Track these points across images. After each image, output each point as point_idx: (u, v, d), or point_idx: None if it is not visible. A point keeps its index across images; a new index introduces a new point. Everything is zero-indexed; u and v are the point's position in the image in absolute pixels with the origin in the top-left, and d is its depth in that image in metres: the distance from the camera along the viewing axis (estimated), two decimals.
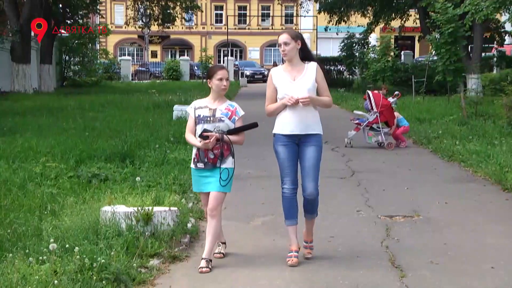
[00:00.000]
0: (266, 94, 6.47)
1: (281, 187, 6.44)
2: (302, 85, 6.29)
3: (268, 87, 6.45)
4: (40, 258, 5.66)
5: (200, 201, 7.66)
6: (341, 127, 15.99)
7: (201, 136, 6.21)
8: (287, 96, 6.23)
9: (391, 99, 15.69)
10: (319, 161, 6.38)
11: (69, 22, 38.00)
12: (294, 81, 6.32)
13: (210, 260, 6.23)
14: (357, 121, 15.11)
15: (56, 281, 5.22)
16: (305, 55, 6.47)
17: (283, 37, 6.30)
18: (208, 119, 6.31)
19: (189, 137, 6.44)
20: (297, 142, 6.34)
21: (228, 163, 6.31)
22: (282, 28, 54.73)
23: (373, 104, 14.92)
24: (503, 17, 26.72)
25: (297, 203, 6.47)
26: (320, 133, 6.42)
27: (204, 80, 43.75)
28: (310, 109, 6.32)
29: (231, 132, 6.30)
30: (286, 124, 6.31)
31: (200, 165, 6.31)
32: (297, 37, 6.36)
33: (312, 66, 6.41)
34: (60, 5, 36.79)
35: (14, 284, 5.08)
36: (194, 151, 6.40)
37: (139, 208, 6.94)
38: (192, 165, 6.44)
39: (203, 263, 6.17)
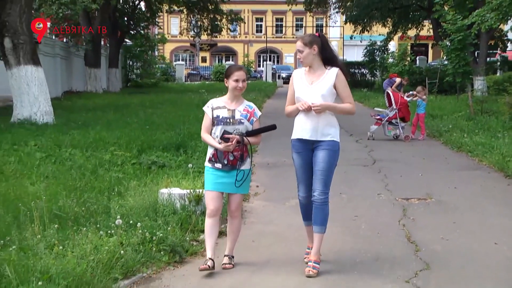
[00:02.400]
0: (287, 95, 5.59)
1: (297, 194, 5.61)
2: (317, 90, 5.33)
3: (289, 88, 5.56)
4: (109, 231, 5.74)
5: None
6: (364, 122, 15.90)
7: (222, 138, 5.34)
8: (301, 100, 5.35)
9: (407, 98, 15.57)
10: (331, 166, 5.38)
11: (132, 32, 38.39)
12: (311, 85, 5.37)
13: (233, 257, 5.58)
14: (378, 117, 15.08)
15: (122, 251, 5.29)
16: (327, 57, 5.42)
17: (297, 45, 5.40)
18: (228, 120, 5.40)
19: (206, 137, 5.46)
20: (311, 148, 5.40)
21: (247, 164, 5.47)
22: None
23: (393, 101, 14.91)
24: (506, 27, 26.29)
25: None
26: (335, 139, 5.39)
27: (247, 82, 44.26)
28: (325, 115, 5.33)
29: (250, 134, 5.42)
30: (299, 129, 5.41)
31: (218, 165, 5.39)
32: (311, 42, 5.34)
33: (333, 72, 5.37)
34: (125, 18, 37.19)
35: (87, 253, 5.14)
36: (211, 150, 5.46)
37: (191, 190, 6.97)
38: (208, 164, 5.47)
39: (225, 260, 5.53)
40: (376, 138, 14.69)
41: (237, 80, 5.39)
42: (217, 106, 5.48)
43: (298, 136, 5.42)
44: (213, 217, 5.44)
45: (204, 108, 5.53)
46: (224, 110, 5.44)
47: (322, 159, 5.32)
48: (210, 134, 5.45)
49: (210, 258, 5.31)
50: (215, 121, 5.42)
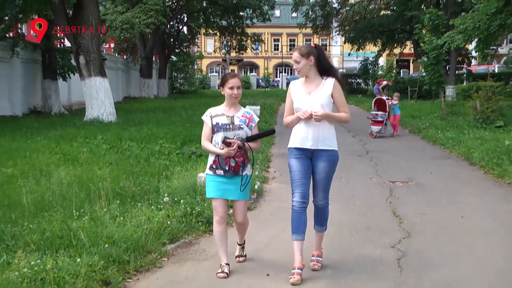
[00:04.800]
0: (285, 106, 4.59)
1: (291, 201, 4.41)
2: (316, 99, 4.34)
3: (287, 99, 4.55)
4: (158, 206, 5.78)
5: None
6: (360, 122, 15.81)
7: (224, 142, 4.32)
8: (300, 110, 4.36)
9: (390, 102, 15.49)
10: (331, 175, 4.45)
11: (177, 50, 38.60)
12: (309, 95, 4.37)
13: (243, 247, 4.80)
14: (380, 119, 14.56)
15: (168, 222, 5.33)
16: (324, 68, 4.43)
17: (294, 55, 4.46)
18: (228, 127, 4.38)
19: (207, 144, 4.41)
20: (310, 156, 4.39)
21: (248, 170, 4.45)
22: None
23: (387, 106, 14.79)
24: (471, 46, 26.13)
25: (305, 219, 4.41)
26: (334, 148, 4.40)
27: (266, 89, 44.33)
28: (325, 124, 4.35)
29: (250, 139, 4.41)
30: (299, 138, 4.37)
31: (220, 172, 4.35)
32: (308, 53, 4.37)
33: (330, 81, 4.39)
34: (172, 40, 37.45)
35: (142, 223, 5.19)
36: (212, 157, 4.42)
37: None
38: (209, 172, 4.42)
39: (239, 251, 4.79)
40: (366, 134, 14.53)
41: (232, 88, 4.43)
42: (215, 114, 4.47)
43: (298, 145, 4.38)
44: (222, 224, 4.44)
45: (203, 117, 4.51)
46: (223, 117, 4.43)
47: (323, 170, 4.38)
48: (211, 142, 4.43)
49: (226, 264, 4.44)
50: (215, 128, 4.41)
